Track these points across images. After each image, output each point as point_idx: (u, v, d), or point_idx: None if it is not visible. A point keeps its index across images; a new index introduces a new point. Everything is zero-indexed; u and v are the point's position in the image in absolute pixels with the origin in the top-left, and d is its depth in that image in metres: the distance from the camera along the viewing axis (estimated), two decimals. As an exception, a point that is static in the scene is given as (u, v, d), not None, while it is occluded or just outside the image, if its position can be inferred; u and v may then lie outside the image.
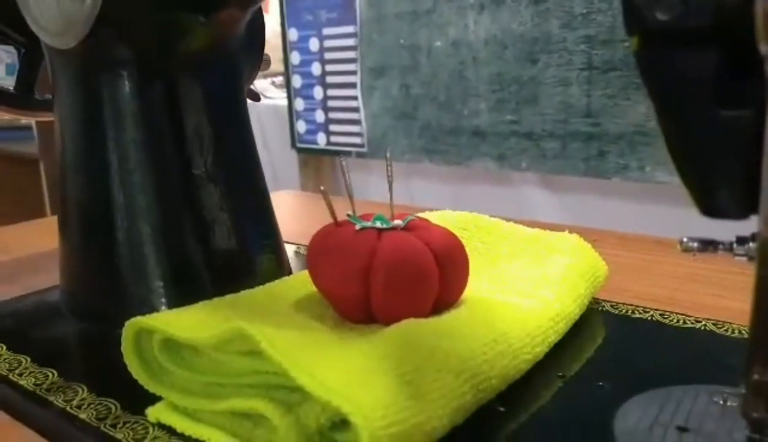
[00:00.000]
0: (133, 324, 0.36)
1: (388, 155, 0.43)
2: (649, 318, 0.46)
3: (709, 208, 0.26)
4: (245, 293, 0.42)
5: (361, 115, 1.46)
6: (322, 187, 0.41)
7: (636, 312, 0.47)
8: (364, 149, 1.47)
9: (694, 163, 0.26)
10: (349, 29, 1.42)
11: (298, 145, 1.61)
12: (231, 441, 0.32)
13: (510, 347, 0.37)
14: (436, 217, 0.53)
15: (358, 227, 0.40)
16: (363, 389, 0.29)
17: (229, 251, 0.49)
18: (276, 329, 0.34)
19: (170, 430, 0.34)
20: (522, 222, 0.53)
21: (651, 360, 0.41)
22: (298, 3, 1.52)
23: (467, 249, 0.49)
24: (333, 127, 1.53)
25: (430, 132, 1.28)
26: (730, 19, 0.23)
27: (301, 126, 1.60)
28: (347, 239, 0.40)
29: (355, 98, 1.46)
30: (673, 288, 0.54)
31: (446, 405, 0.31)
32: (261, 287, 0.43)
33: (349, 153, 1.50)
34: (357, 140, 1.49)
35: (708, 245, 0.31)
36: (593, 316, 0.47)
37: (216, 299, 0.40)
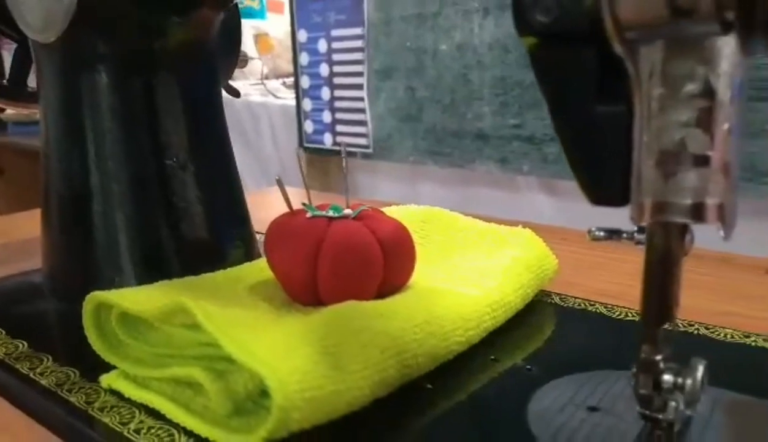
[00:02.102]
0: (92, 298, 0.39)
1: (343, 149, 0.45)
2: (594, 310, 0.48)
3: (596, 197, 0.28)
4: (207, 276, 0.44)
5: (367, 117, 1.48)
6: (277, 177, 0.43)
7: (583, 305, 0.49)
8: (370, 150, 1.50)
9: (580, 156, 0.28)
10: (357, 31, 1.45)
11: (306, 144, 1.64)
12: (172, 406, 0.35)
13: (442, 328, 0.39)
14: (399, 211, 0.56)
15: (309, 214, 0.43)
16: (284, 358, 0.32)
17: (199, 238, 0.52)
18: (219, 306, 0.37)
19: (120, 396, 0.37)
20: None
21: (585, 348, 0.44)
22: (308, 4, 1.55)
23: (426, 241, 0.52)
24: (339, 128, 1.56)
25: (434, 134, 1.31)
26: (599, 21, 0.25)
27: (308, 126, 1.63)
28: (298, 226, 0.43)
29: (361, 100, 1.49)
30: (627, 284, 0.55)
31: (368, 377, 0.34)
32: (223, 270, 0.46)
33: (354, 154, 1.52)
34: (362, 141, 1.51)
35: (613, 234, 0.33)
36: (541, 307, 0.50)
37: (176, 280, 0.43)
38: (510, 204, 1.26)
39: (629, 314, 0.47)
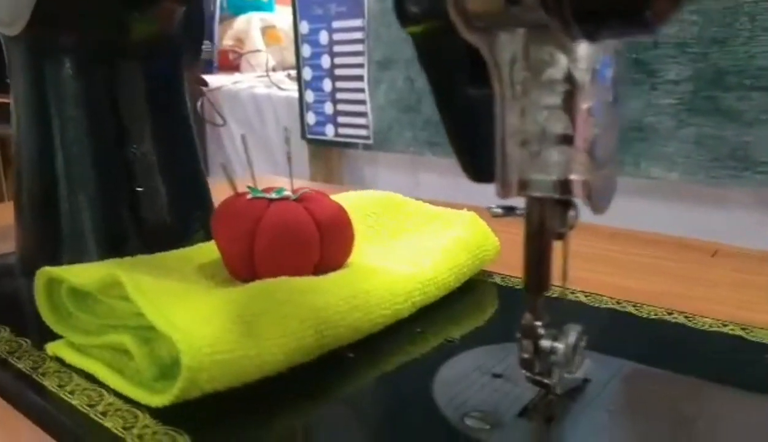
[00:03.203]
0: (43, 273, 0.42)
1: (286, 136, 0.48)
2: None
3: (475, 174, 0.31)
4: (159, 255, 0.47)
5: (368, 108, 1.50)
6: (221, 162, 0.46)
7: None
8: (370, 141, 1.52)
9: (458, 137, 0.30)
10: (357, 23, 1.47)
11: (308, 136, 1.67)
12: (106, 371, 0.38)
13: (367, 303, 0.42)
14: (354, 197, 0.58)
15: (250, 196, 0.46)
16: (200, 325, 0.34)
17: (161, 221, 0.54)
18: (154, 279, 0.39)
19: (62, 362, 0.40)
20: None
21: (513, 323, 0.46)
22: (310, -4, 1.57)
23: (377, 225, 0.54)
24: (341, 119, 1.58)
25: (433, 125, 1.32)
26: (460, 12, 0.27)
27: (311, 118, 1.66)
28: (239, 206, 0.45)
29: (362, 91, 1.51)
30: (577, 267, 0.57)
31: (284, 345, 0.37)
32: (177, 250, 0.49)
33: (356, 145, 1.55)
34: (363, 132, 1.53)
35: (510, 211, 0.35)
36: (482, 286, 0.52)
37: (128, 258, 0.46)
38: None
39: (570, 295, 0.49)
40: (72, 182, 0.52)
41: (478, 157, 0.30)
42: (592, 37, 0.24)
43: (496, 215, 0.35)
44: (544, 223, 0.31)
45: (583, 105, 0.28)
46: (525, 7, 0.24)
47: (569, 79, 0.28)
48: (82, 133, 0.52)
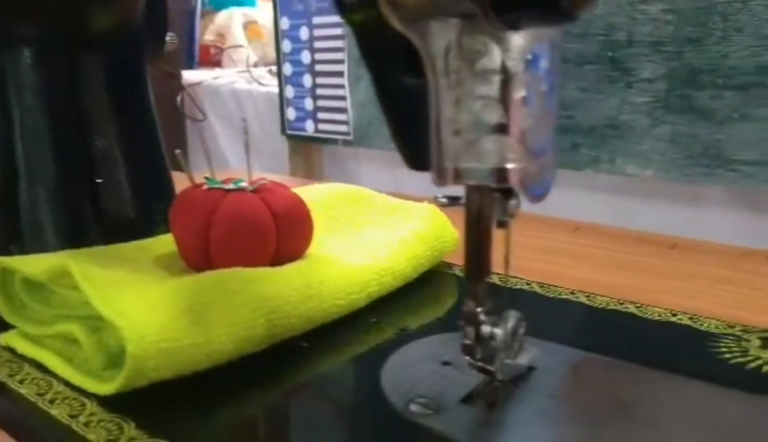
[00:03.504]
0: (-5, 264, 0.42)
1: (244, 125, 0.48)
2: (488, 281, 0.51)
3: (413, 162, 0.31)
4: (115, 246, 0.47)
5: (348, 104, 1.50)
6: (177, 151, 0.46)
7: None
8: (350, 137, 1.52)
9: (395, 125, 0.31)
10: (338, 19, 1.46)
11: (288, 132, 1.67)
12: (57, 360, 0.38)
13: (320, 293, 0.42)
14: (320, 190, 0.58)
15: (207, 186, 0.46)
16: (146, 313, 0.35)
17: (122, 214, 0.54)
18: (105, 269, 0.40)
19: (15, 353, 0.40)
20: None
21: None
22: (290, -9, 1.56)
23: (340, 217, 0.54)
24: (321, 115, 1.58)
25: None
26: (393, 1, 0.27)
27: (291, 113, 1.65)
28: (195, 197, 0.45)
29: (342, 87, 1.51)
30: (532, 258, 0.58)
31: (233, 334, 0.37)
32: (134, 242, 0.49)
33: (336, 141, 1.55)
34: (343, 128, 1.53)
35: (455, 200, 0.35)
36: (442, 278, 0.52)
37: (84, 249, 0.46)
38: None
39: (519, 285, 0.50)
40: (32, 174, 0.52)
41: (416, 145, 0.30)
42: (513, 25, 0.25)
43: (442, 205, 0.36)
44: (483, 211, 0.31)
45: (517, 95, 0.28)
46: (449, -5, 0.24)
47: (502, 69, 0.28)
48: (42, 125, 0.52)
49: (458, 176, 0.29)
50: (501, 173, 0.29)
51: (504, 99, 0.28)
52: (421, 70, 0.29)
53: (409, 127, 0.30)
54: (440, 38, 0.28)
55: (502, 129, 0.29)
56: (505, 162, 0.29)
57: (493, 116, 0.29)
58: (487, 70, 0.28)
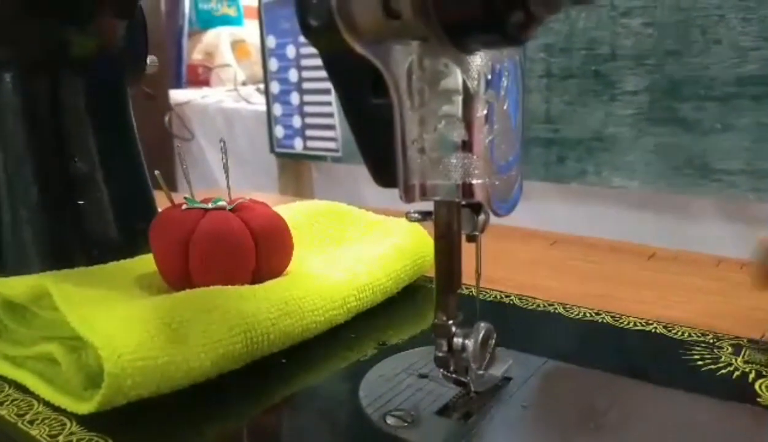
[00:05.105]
0: (-23, 287, 0.42)
1: (222, 144, 0.49)
2: (468, 294, 0.52)
3: (381, 180, 0.32)
4: (98, 267, 0.48)
5: (336, 120, 1.51)
6: (156, 172, 0.47)
7: (466, 290, 0.53)
8: (339, 153, 1.53)
9: (363, 143, 0.31)
10: (324, 37, 1.47)
11: (277, 150, 1.68)
12: (37, 381, 0.38)
13: (300, 309, 0.42)
14: (300, 207, 0.59)
15: (186, 206, 0.47)
16: (124, 332, 0.35)
17: (104, 234, 0.55)
18: (84, 289, 0.40)
19: (-4, 375, 0.41)
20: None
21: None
22: (276, 10, 1.58)
23: (320, 234, 0.55)
24: (309, 132, 1.59)
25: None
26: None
27: (279, 131, 1.66)
28: (174, 217, 0.46)
29: (329, 104, 1.52)
30: (515, 270, 0.59)
31: (211, 351, 0.37)
32: (115, 262, 0.49)
33: (325, 158, 1.56)
34: (332, 145, 1.54)
35: (427, 215, 0.36)
36: (423, 292, 0.53)
37: (66, 270, 0.46)
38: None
39: (499, 297, 0.51)
40: (13, 195, 0.53)
41: (384, 163, 0.31)
42: (465, 49, 0.26)
43: (414, 220, 0.37)
44: (451, 225, 0.32)
45: (478, 113, 0.29)
46: (405, 21, 0.25)
47: (463, 88, 0.29)
48: (23, 146, 0.52)
49: (425, 193, 0.30)
50: (466, 189, 0.30)
51: (466, 117, 0.29)
52: (386, 91, 0.30)
53: (377, 146, 0.31)
54: (402, 60, 0.29)
55: (466, 146, 0.30)
56: (470, 177, 0.30)
57: (456, 134, 0.29)
58: (449, 89, 0.29)
